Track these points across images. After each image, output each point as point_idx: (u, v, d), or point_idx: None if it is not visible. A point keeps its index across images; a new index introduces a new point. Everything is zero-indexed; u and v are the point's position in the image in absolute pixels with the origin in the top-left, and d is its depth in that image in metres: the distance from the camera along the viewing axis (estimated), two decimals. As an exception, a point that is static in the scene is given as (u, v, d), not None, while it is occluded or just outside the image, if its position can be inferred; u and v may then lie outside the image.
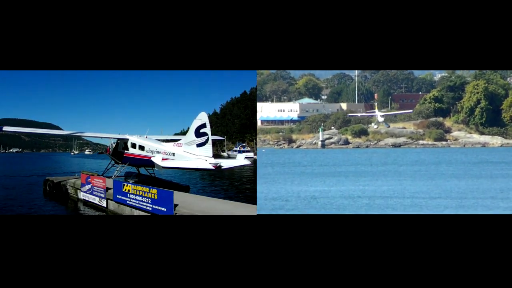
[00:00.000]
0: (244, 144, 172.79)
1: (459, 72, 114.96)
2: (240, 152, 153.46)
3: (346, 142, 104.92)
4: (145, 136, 39.49)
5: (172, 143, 36.20)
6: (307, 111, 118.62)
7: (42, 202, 39.46)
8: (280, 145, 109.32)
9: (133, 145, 38.03)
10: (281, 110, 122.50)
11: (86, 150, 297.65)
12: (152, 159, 35.66)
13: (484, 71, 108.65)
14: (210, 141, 33.31)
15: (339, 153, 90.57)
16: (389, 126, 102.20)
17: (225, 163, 37.11)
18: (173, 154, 34.49)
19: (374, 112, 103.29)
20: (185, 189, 38.49)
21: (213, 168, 33.09)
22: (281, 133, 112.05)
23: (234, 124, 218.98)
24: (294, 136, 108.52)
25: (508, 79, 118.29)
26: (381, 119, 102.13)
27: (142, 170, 42.06)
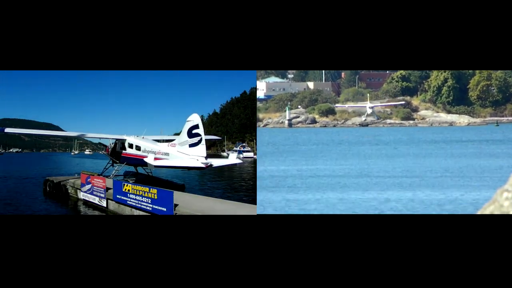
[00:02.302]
0: (244, 144, 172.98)
1: None
2: (240, 152, 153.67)
3: (313, 121, 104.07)
4: (142, 137, 40.81)
5: (166, 144, 37.50)
6: (273, 90, 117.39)
7: (42, 202, 39.50)
8: None
9: (130, 145, 39.36)
10: None
11: (86, 150, 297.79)
12: (145, 159, 37.06)
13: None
14: (203, 141, 34.22)
15: (306, 132, 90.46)
16: (379, 119, 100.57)
17: (216, 162, 39.08)
18: (167, 154, 35.73)
19: (365, 105, 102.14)
20: (180, 187, 39.46)
21: (204, 167, 34.33)
22: None
23: (234, 124, 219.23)
24: (260, 115, 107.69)
25: None
26: (369, 111, 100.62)
27: (140, 170, 43.06)
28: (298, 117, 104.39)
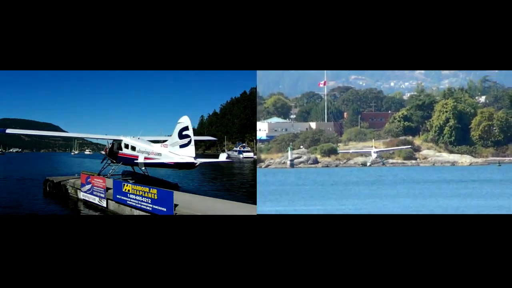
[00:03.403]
0: (244, 144, 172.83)
1: (428, 91, 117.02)
2: (240, 152, 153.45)
3: (315, 161, 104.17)
4: (137, 138, 42.73)
5: (159, 144, 39.51)
6: (275, 130, 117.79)
7: (42, 202, 39.49)
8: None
9: (126, 146, 41.43)
10: None
11: (86, 150, 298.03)
12: (136, 159, 39.92)
13: (453, 90, 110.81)
14: (192, 142, 36.22)
15: (308, 172, 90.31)
16: (384, 164, 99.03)
17: (206, 160, 44.81)
18: (159, 154, 37.88)
19: (370, 150, 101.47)
20: (174, 186, 40.87)
21: (191, 163, 36.15)
22: None
23: (234, 124, 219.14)
24: (263, 156, 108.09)
25: (477, 97, 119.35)
26: (374, 155, 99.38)
27: (138, 169, 44.80)
28: (300, 157, 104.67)
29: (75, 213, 34.69)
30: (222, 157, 45.75)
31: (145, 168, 43.19)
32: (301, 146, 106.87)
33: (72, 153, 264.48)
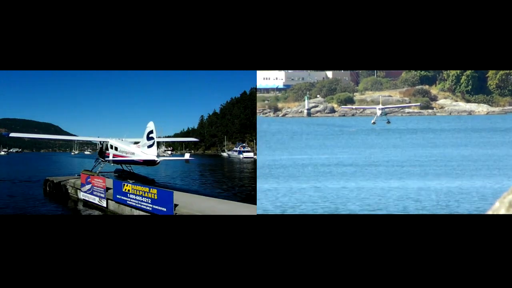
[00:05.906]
0: (244, 144, 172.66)
1: None
2: (240, 152, 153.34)
3: (332, 111, 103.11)
4: (121, 139, 49.74)
5: (135, 145, 46.69)
6: (292, 79, 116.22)
7: (42, 202, 39.53)
8: (266, 113, 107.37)
9: (111, 146, 48.03)
10: (266, 79, 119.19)
11: (86, 150, 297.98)
12: (107, 157, 47.43)
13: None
14: (155, 144, 43.49)
15: (324, 122, 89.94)
16: (389, 122, 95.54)
17: (165, 159, 57.77)
18: (133, 153, 45.02)
19: (375, 106, 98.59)
20: (150, 182, 46.44)
21: (153, 160, 42.89)
22: (266, 102, 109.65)
23: (234, 124, 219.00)
24: (279, 105, 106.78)
25: None
26: (379, 112, 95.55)
27: (125, 167, 51.58)
28: (317, 106, 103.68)
29: (75, 213, 34.74)
30: (186, 156, 57.40)
31: (130, 167, 50.31)
32: (318, 95, 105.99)
33: (72, 153, 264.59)
